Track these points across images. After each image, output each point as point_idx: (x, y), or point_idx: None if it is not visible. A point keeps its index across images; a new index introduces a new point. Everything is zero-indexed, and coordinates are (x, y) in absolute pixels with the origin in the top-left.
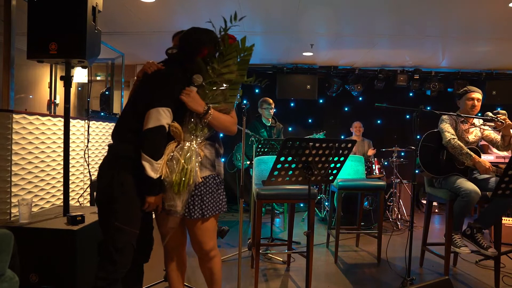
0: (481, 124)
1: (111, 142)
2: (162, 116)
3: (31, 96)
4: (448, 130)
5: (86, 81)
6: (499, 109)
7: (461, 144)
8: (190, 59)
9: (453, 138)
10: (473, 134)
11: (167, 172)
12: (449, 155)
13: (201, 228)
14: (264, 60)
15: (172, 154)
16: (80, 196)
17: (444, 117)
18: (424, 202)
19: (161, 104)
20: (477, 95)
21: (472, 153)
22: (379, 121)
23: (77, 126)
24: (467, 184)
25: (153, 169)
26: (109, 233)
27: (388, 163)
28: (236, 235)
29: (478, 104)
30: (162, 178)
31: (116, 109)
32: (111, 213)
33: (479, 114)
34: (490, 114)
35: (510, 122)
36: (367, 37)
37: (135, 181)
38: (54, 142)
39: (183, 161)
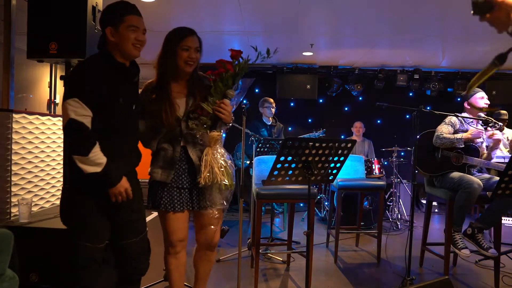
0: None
1: None
2: (68, 109)
3: (31, 96)
4: (439, 130)
5: None
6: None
7: (447, 136)
8: (104, 41)
9: (439, 135)
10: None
11: (220, 176)
12: (444, 153)
13: (219, 219)
14: (264, 60)
15: (217, 159)
16: None
17: (447, 119)
18: (424, 202)
19: (65, 98)
20: (485, 94)
21: (460, 135)
22: (379, 121)
23: None
24: (468, 177)
25: (91, 163)
26: (71, 250)
27: (388, 163)
28: (236, 234)
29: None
30: (209, 183)
31: None
32: (68, 230)
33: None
34: (482, 115)
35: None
36: (367, 37)
37: (84, 195)
38: (54, 141)
39: (225, 164)
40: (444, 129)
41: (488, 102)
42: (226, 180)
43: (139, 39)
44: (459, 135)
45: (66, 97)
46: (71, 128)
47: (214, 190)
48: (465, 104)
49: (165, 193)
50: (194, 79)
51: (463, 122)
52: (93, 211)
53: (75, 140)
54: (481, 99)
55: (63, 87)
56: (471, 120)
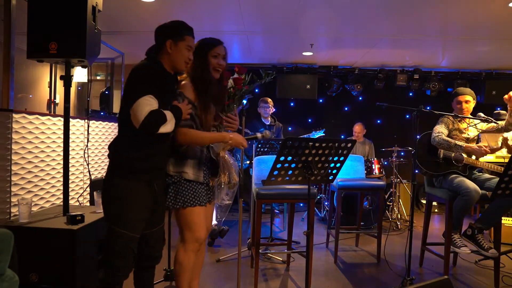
0: (477, 124)
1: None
2: (147, 104)
3: (30, 96)
4: (437, 130)
5: (86, 81)
6: (499, 109)
7: (446, 138)
8: (158, 49)
9: (438, 135)
10: (472, 132)
11: (234, 175)
12: (445, 154)
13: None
14: (264, 60)
15: (229, 160)
16: (80, 195)
17: (441, 118)
18: (424, 202)
19: (140, 95)
20: (467, 97)
21: (462, 143)
22: (379, 121)
23: (77, 125)
24: (467, 183)
25: (168, 123)
26: (108, 236)
27: (388, 163)
28: (236, 234)
29: (467, 106)
30: (222, 184)
31: (116, 108)
32: (107, 217)
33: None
34: (482, 114)
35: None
36: (367, 37)
37: (131, 186)
38: (54, 141)
39: (234, 165)
40: (442, 130)
41: (465, 107)
42: (235, 179)
43: (190, 58)
44: (459, 143)
45: (140, 95)
46: (154, 116)
47: (225, 187)
48: (452, 105)
49: (196, 189)
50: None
51: (454, 121)
52: (138, 201)
53: (160, 121)
54: (458, 103)
55: (127, 86)
56: (460, 119)
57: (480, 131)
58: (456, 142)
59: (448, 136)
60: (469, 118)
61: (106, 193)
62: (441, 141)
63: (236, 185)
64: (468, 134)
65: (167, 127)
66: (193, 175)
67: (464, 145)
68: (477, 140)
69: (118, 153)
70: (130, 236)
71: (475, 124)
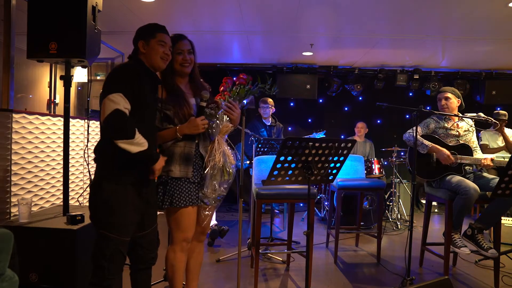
0: (474, 123)
1: None
2: (114, 102)
3: (30, 96)
4: (412, 128)
5: (86, 81)
6: (499, 109)
7: (415, 135)
8: (135, 51)
9: (408, 132)
10: (463, 129)
11: (230, 158)
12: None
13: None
14: (264, 60)
15: (223, 144)
16: (80, 195)
17: (425, 119)
18: (424, 202)
19: (109, 91)
20: (445, 94)
21: (428, 143)
22: (379, 121)
23: (77, 125)
24: (466, 182)
25: (136, 144)
26: (97, 240)
27: (388, 163)
28: (236, 234)
29: (446, 103)
30: (221, 165)
31: None
32: (96, 222)
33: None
34: (482, 114)
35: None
36: (367, 37)
37: (119, 189)
38: (54, 141)
39: (229, 152)
40: (418, 128)
41: (443, 103)
42: (231, 167)
43: (166, 53)
44: (426, 142)
45: (110, 92)
46: (117, 116)
47: (218, 176)
48: None
49: (184, 189)
50: (196, 80)
51: (438, 120)
52: (128, 205)
53: (121, 126)
54: (439, 100)
55: (103, 85)
56: (446, 116)
57: (471, 126)
58: (424, 141)
59: (433, 134)
60: (468, 118)
61: (94, 198)
62: (409, 138)
63: (229, 175)
64: (457, 131)
65: (131, 147)
66: (180, 171)
67: (430, 145)
68: (478, 139)
69: (103, 157)
70: (121, 240)
71: (462, 120)
